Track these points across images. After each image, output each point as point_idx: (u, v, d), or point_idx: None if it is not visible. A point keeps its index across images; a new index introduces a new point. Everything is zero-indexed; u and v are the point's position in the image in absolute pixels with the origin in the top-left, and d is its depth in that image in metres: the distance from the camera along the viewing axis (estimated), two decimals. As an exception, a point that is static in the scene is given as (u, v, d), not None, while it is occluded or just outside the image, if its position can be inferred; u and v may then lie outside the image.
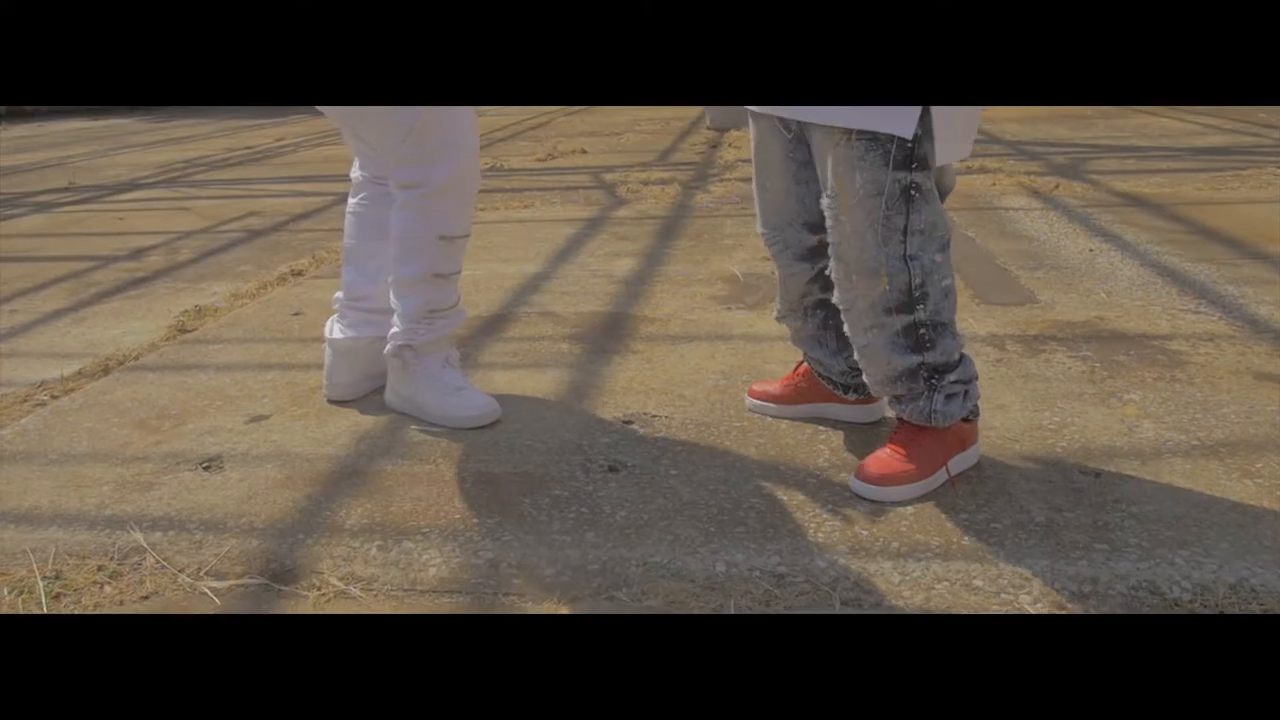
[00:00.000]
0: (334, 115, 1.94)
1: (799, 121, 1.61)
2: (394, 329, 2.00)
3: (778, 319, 1.91)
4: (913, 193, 1.50)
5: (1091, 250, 3.19)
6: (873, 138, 1.48)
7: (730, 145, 6.27)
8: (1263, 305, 2.53)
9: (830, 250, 1.61)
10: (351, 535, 1.60)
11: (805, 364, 1.94)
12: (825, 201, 1.57)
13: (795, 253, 1.76)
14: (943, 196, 1.64)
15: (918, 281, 1.54)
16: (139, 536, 1.63)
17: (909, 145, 1.47)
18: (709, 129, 7.27)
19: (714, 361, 2.30)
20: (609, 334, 2.55)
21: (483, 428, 1.98)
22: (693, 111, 8.76)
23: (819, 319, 1.83)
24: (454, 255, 1.95)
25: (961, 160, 1.64)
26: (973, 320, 2.50)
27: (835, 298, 1.65)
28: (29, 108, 16.04)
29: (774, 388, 1.99)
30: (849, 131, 1.49)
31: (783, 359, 2.29)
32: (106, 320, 3.01)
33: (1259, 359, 2.16)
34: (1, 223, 4.96)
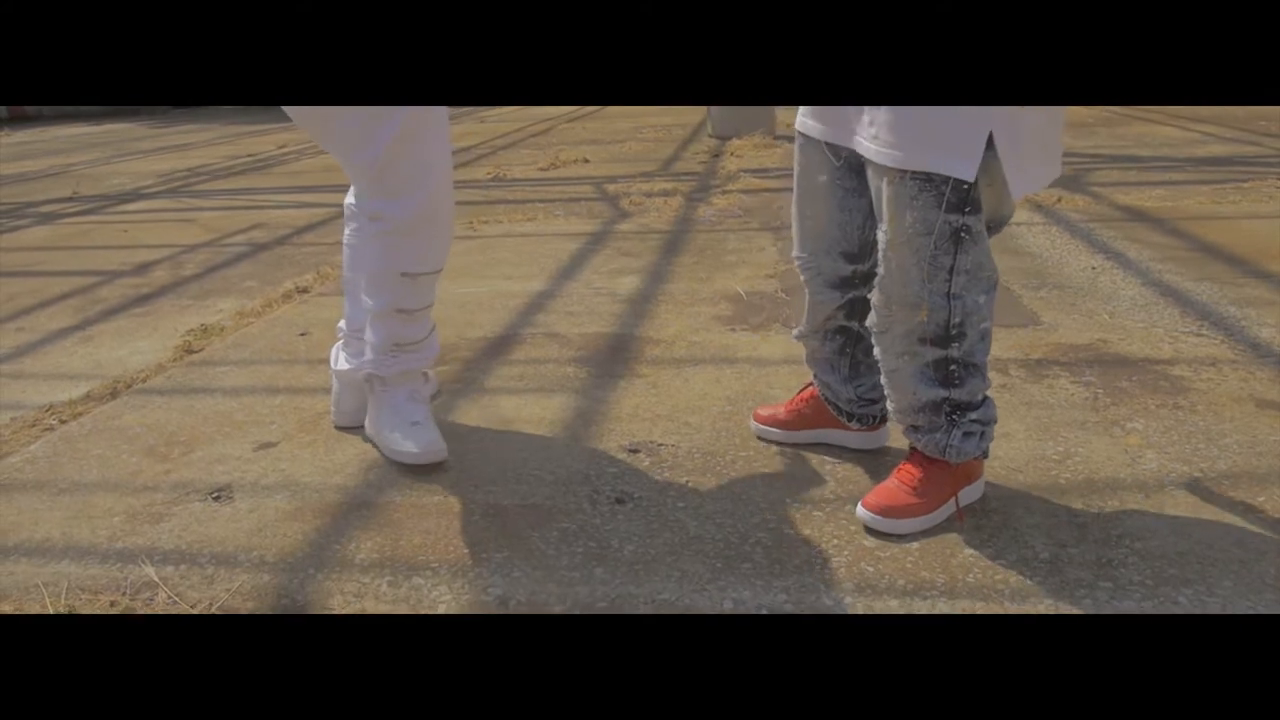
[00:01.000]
0: (314, 136, 1.92)
1: (850, 149, 1.60)
2: (365, 355, 2.00)
3: (796, 338, 1.92)
4: (963, 235, 1.50)
5: (1094, 268, 3.20)
6: (927, 178, 1.47)
7: (732, 154, 6.28)
8: (1264, 328, 2.54)
9: (876, 280, 1.62)
10: (362, 570, 1.61)
11: (812, 387, 1.95)
12: (879, 235, 1.58)
13: (827, 280, 1.77)
14: (1000, 227, 1.64)
15: (957, 320, 1.55)
16: (150, 570, 1.64)
17: (965, 188, 1.46)
18: (710, 137, 7.28)
19: (719, 387, 2.31)
20: (614, 357, 2.56)
21: (433, 462, 1.95)
22: (694, 118, 8.77)
23: (837, 344, 1.84)
24: (419, 292, 1.92)
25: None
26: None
27: (870, 321, 1.66)
28: (31, 112, 16.08)
29: (779, 412, 2.01)
30: (903, 170, 1.49)
31: (787, 384, 2.30)
32: (113, 339, 3.02)
33: (1261, 386, 2.17)
34: (7, 234, 4.98)
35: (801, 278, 1.82)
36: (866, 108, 1.52)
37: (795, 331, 1.92)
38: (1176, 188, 4.52)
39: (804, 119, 1.70)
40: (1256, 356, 2.35)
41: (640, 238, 4.02)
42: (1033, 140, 1.48)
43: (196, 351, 2.81)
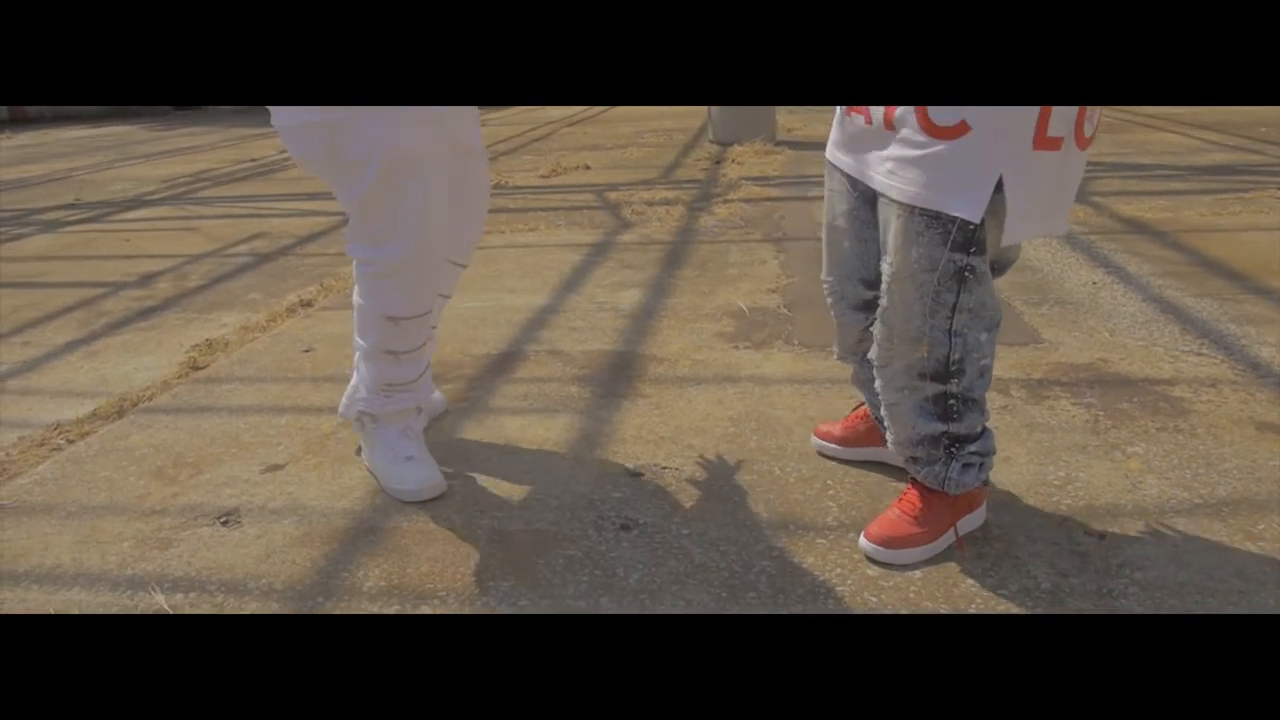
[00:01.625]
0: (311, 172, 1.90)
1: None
2: (358, 392, 2.01)
3: (837, 359, 1.93)
4: (967, 274, 1.51)
5: (1095, 283, 3.22)
6: (934, 216, 1.48)
7: (733, 161, 6.29)
8: (1264, 347, 2.56)
9: (879, 311, 1.64)
10: (370, 598, 1.63)
11: (864, 406, 1.97)
12: (884, 267, 1.60)
13: (850, 303, 1.79)
14: (1003, 270, 1.65)
15: (957, 356, 1.56)
16: (160, 599, 1.66)
17: (970, 228, 1.47)
18: (711, 143, 7.29)
19: (722, 408, 2.33)
20: (617, 375, 2.58)
21: (432, 498, 1.95)
22: (695, 122, 8.78)
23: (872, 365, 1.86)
24: (406, 335, 1.91)
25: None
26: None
27: (871, 354, 1.68)
28: (32, 113, 16.08)
29: (836, 429, 2.03)
30: (911, 206, 1.50)
31: (790, 405, 2.32)
32: (118, 354, 3.04)
33: (1260, 408, 2.18)
34: (10, 243, 5.00)
35: (828, 300, 1.84)
36: (884, 144, 1.53)
37: (835, 353, 1.93)
38: (1178, 198, 4.54)
39: (832, 148, 1.71)
40: (1256, 377, 2.37)
41: (642, 249, 4.03)
42: (1042, 188, 1.48)
43: (202, 368, 2.83)
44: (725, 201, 4.97)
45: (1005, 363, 2.52)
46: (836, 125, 1.68)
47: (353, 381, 2.17)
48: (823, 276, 1.83)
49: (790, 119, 8.26)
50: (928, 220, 1.49)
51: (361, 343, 1.94)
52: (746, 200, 4.96)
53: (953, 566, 1.64)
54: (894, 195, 1.52)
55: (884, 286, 1.60)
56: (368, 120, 1.70)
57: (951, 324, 1.54)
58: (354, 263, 1.90)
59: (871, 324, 1.77)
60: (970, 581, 1.60)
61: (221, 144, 9.47)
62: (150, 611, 1.62)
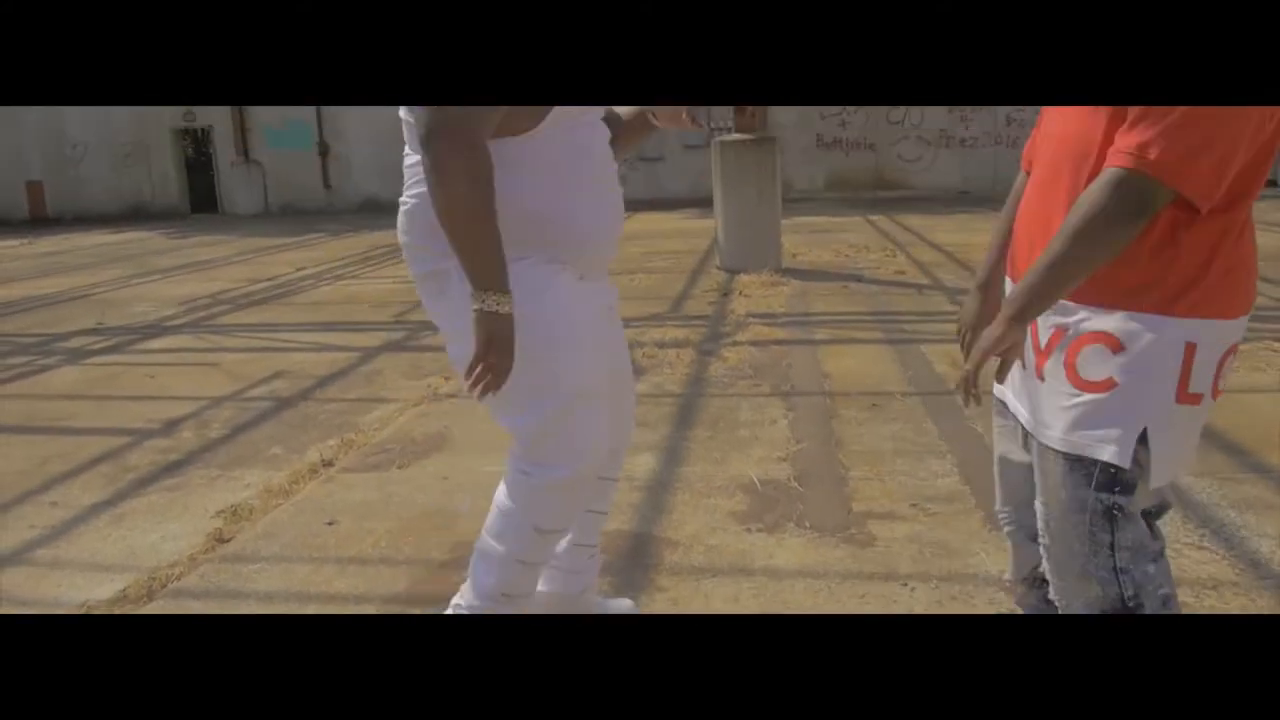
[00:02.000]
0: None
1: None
2: (459, 598, 1.96)
3: (1006, 583, 1.93)
4: (1115, 513, 1.52)
5: (1097, 456, 3.30)
6: (1077, 459, 1.51)
7: (741, 293, 6.45)
8: (1264, 540, 2.63)
9: (1042, 550, 1.65)
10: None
11: None
12: (1038, 504, 1.61)
13: (1028, 533, 1.78)
14: (1161, 513, 1.65)
15: (1130, 593, 1.55)
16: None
17: (1112, 470, 1.49)
18: (718, 269, 7.48)
19: (737, 606, 2.39)
20: (634, 562, 2.65)
21: None
22: (702, 244, 9.01)
23: (1041, 592, 1.83)
24: (546, 547, 1.90)
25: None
26: (983, 554, 2.60)
27: (1051, 594, 1.67)
28: (52, 214, 16.42)
29: None
30: (1056, 450, 1.53)
31: (802, 604, 2.38)
32: (145, 519, 3.12)
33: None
34: (37, 376, 5.13)
35: (1006, 529, 1.85)
36: (1035, 390, 1.58)
37: (1005, 577, 1.93)
38: (1175, 349, 4.64)
39: (998, 386, 1.74)
40: (1257, 577, 2.44)
41: (655, 402, 4.14)
42: (1183, 438, 1.52)
43: (227, 541, 2.90)
44: (734, 344, 5.10)
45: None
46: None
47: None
48: (997, 507, 1.85)
49: (795, 244, 8.48)
50: (1071, 464, 1.52)
51: (497, 547, 1.87)
52: (754, 343, 5.09)
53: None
54: (1042, 439, 1.57)
55: (1041, 524, 1.62)
56: (557, 352, 1.77)
57: (1115, 562, 1.54)
58: (514, 473, 1.88)
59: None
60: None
61: (237, 258, 9.70)
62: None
